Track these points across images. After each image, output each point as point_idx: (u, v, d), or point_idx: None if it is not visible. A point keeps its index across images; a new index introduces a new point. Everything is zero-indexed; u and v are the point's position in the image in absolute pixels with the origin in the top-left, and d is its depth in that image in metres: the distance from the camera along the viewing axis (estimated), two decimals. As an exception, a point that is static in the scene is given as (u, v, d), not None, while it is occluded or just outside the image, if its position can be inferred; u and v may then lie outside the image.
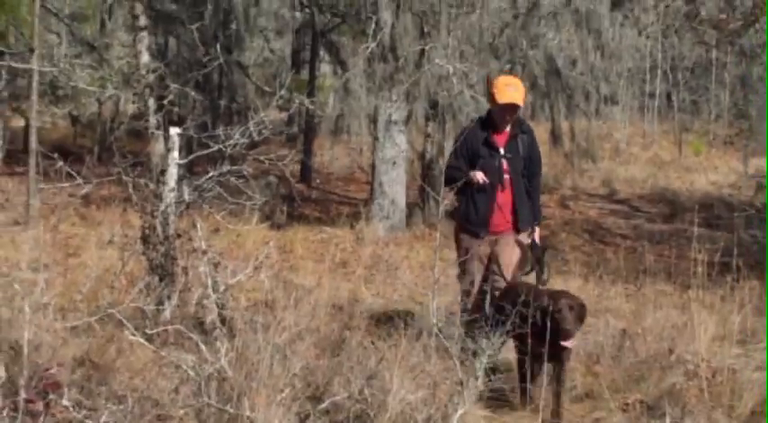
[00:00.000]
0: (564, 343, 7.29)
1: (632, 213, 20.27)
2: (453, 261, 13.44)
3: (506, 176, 8.73)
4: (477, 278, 8.92)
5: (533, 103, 22.22)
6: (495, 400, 7.71)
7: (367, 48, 16.72)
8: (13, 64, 16.94)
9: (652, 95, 32.97)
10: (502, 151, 8.71)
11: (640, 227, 18.20)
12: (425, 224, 17.03)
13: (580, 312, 7.60)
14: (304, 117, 19.52)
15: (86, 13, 22.83)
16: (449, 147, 18.58)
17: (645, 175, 24.73)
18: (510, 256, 8.81)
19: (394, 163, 16.91)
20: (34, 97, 16.78)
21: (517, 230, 8.83)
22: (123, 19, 20.15)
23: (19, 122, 18.48)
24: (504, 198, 8.78)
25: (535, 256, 8.82)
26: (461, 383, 6.83)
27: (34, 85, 16.57)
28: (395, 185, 16.88)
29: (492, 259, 8.87)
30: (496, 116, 8.83)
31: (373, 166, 17.29)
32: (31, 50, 16.45)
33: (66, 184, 12.21)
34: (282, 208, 16.88)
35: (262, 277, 9.19)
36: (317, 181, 20.90)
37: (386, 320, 9.64)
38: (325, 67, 20.16)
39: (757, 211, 17.02)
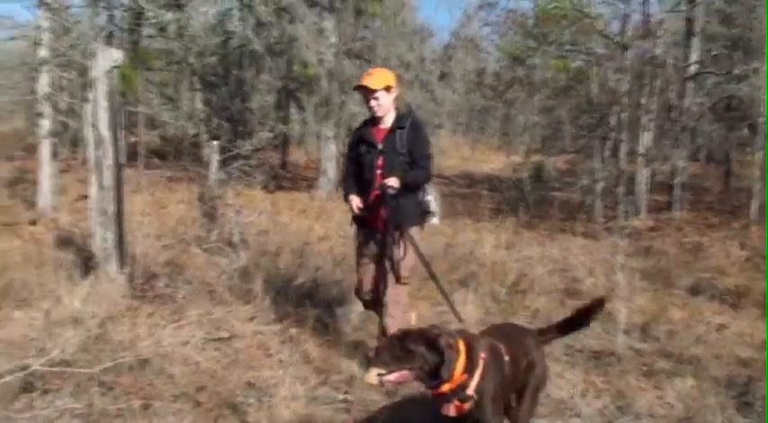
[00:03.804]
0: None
1: (450, 183, 20.27)
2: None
3: (378, 172, 4.99)
4: (365, 272, 5.18)
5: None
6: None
7: (315, 99, 16.66)
8: (131, 109, 16.46)
9: (460, 124, 33.10)
10: (380, 146, 5.01)
11: (455, 190, 18.24)
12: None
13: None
14: (282, 136, 19.25)
15: (167, 82, 22.36)
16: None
17: (456, 163, 24.77)
18: (399, 255, 4.98)
19: (329, 159, 16.87)
20: (141, 125, 16.40)
21: (396, 228, 4.94)
22: (188, 85, 19.71)
23: (131, 139, 17.96)
24: (376, 195, 4.99)
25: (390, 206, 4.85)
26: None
27: (141, 119, 16.21)
28: (330, 170, 16.81)
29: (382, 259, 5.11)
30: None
31: (319, 160, 17.23)
32: (138, 101, 16.09)
33: (158, 171, 11.96)
34: (272, 182, 16.72)
35: (262, 218, 9.10)
36: (290, 168, 20.68)
37: (326, 239, 9.56)
38: (293, 110, 19.89)
39: (513, 181, 17.17)
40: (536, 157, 18.90)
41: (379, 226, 5.02)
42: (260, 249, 7.68)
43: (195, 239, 8.07)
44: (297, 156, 21.68)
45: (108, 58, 6.41)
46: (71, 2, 15.38)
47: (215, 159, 8.75)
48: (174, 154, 17.75)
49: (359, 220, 5.15)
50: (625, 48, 14.02)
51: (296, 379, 4.57)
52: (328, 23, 16.55)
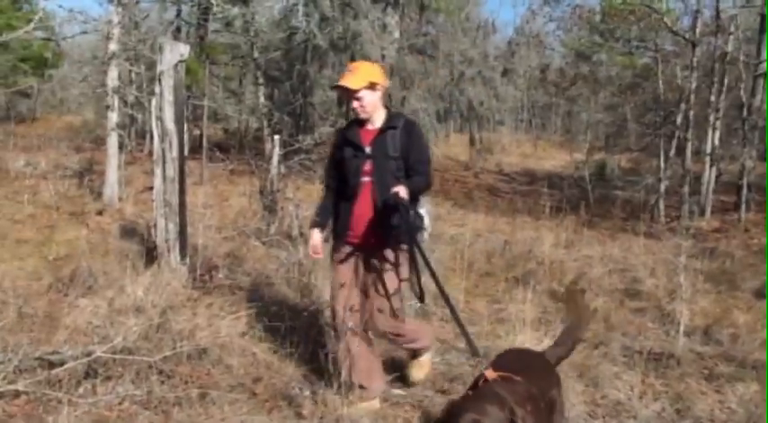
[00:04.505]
0: None
1: (511, 180, 20.14)
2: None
3: (365, 179, 4.17)
4: (346, 298, 4.25)
5: (461, 124, 22.23)
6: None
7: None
8: (195, 102, 16.77)
9: (522, 120, 32.84)
10: (368, 150, 4.21)
11: (515, 188, 18.10)
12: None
13: None
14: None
15: (231, 76, 22.63)
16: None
17: (517, 160, 24.60)
18: (383, 282, 4.17)
19: (390, 153, 16.89)
20: (205, 118, 16.68)
21: (386, 246, 4.15)
22: (251, 79, 19.95)
23: (196, 131, 18.26)
24: (363, 206, 4.16)
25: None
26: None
27: (205, 112, 16.47)
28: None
29: (364, 282, 4.28)
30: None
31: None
32: (203, 95, 16.37)
33: (220, 164, 12.13)
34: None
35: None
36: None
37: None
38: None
39: (575, 179, 16.98)
40: (599, 155, 18.68)
41: (371, 242, 4.17)
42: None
43: (255, 232, 8.19)
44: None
45: (175, 53, 6.54)
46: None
47: (276, 153, 8.83)
48: (236, 147, 18.04)
49: (338, 232, 4.33)
50: (695, 44, 13.72)
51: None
52: (391, 19, 16.57)
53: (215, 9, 15.14)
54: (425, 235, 4.22)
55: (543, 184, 15.59)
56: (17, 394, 3.96)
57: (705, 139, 14.03)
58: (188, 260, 6.63)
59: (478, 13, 21.23)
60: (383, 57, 16.30)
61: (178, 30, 19.53)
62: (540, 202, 12.58)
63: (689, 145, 13.80)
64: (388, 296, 4.19)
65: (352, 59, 18.65)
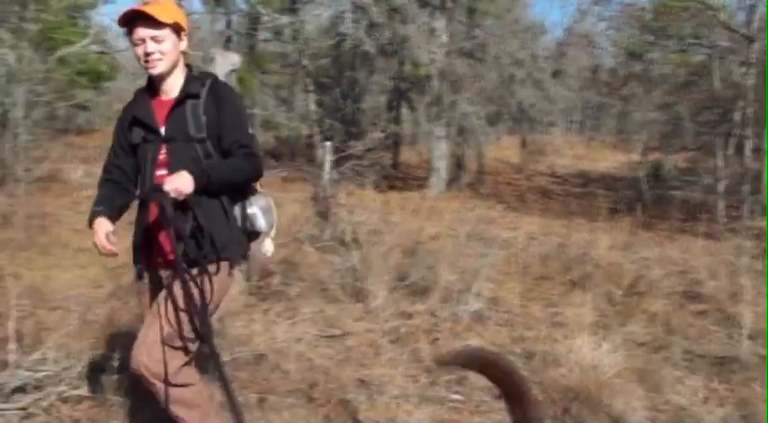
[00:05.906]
0: None
1: (564, 182, 19.91)
2: (472, 207, 13.46)
3: (163, 173, 2.81)
4: (145, 334, 2.87)
5: (512, 127, 22.09)
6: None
7: (426, 99, 16.69)
8: (247, 111, 16.91)
9: (574, 122, 32.49)
10: (162, 131, 2.86)
11: (568, 190, 17.89)
12: (457, 190, 16.93)
13: None
14: (394, 136, 19.35)
15: (281, 84, 22.80)
16: (463, 150, 18.45)
17: (570, 162, 24.33)
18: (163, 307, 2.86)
19: (440, 158, 16.86)
20: (257, 127, 16.83)
21: (191, 264, 2.86)
22: (302, 87, 20.11)
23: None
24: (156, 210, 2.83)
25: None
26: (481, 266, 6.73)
27: (257, 121, 16.64)
28: (441, 169, 16.80)
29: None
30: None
31: (430, 159, 17.22)
32: (255, 103, 16.52)
33: (273, 171, 12.23)
34: (384, 182, 16.84)
35: (373, 218, 9.16)
36: (402, 168, 20.76)
37: (437, 238, 9.49)
38: (404, 110, 19.95)
39: (630, 180, 16.76)
40: (654, 156, 18.38)
41: (166, 260, 2.99)
42: (371, 249, 7.74)
43: (309, 238, 8.23)
44: (408, 155, 21.76)
45: (227, 62, 6.64)
46: (192, 8, 15.95)
47: (328, 159, 8.88)
48: (288, 154, 18.19)
49: (138, 249, 3.09)
50: (751, 40, 13.41)
51: (406, 378, 4.59)
52: (439, 23, 16.56)
53: (264, 19, 15.28)
54: (267, 243, 3.18)
55: (597, 185, 15.41)
56: (80, 399, 4.04)
57: (764, 136, 13.70)
58: (244, 267, 6.70)
59: (527, 14, 21.08)
60: (431, 61, 16.31)
61: (229, 40, 19.78)
62: (594, 203, 12.40)
63: (747, 143, 13.51)
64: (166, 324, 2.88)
65: (401, 65, 18.74)
